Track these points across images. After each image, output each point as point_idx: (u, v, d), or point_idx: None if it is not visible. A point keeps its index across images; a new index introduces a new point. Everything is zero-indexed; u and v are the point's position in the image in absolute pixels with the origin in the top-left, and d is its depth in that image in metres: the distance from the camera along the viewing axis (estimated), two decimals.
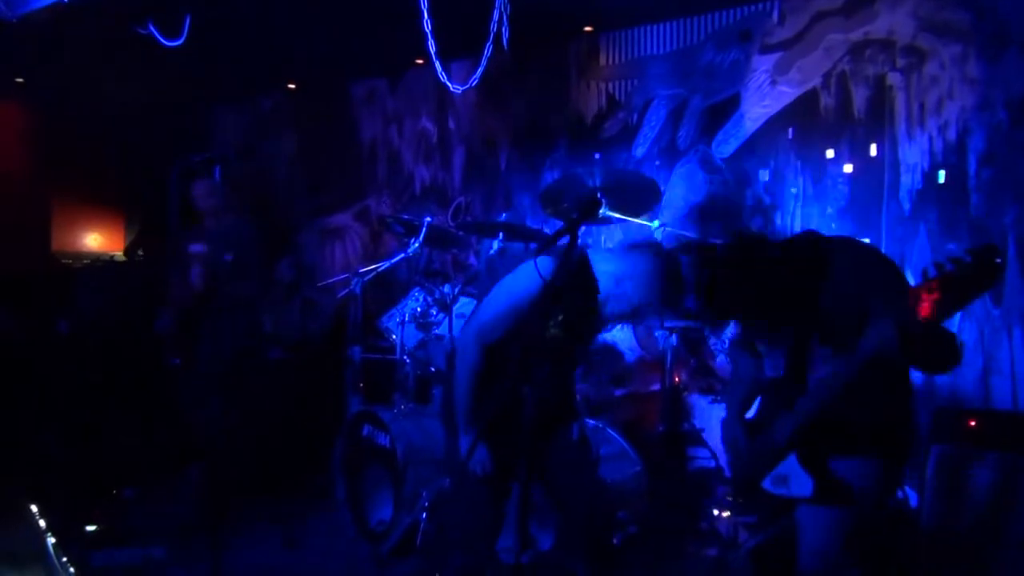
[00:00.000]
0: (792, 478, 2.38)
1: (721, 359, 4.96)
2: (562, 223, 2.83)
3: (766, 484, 2.45)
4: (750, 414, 2.73)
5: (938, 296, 1.90)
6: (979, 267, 1.86)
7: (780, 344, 2.45)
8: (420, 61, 6.09)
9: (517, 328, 2.74)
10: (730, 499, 4.28)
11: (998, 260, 1.85)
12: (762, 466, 2.47)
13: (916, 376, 4.28)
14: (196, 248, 4.42)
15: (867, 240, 4.57)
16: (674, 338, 4.50)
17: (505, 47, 3.63)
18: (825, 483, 2.31)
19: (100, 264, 7.05)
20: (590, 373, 4.71)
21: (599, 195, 4.11)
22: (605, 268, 2.84)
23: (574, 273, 2.80)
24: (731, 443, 2.68)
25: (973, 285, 1.87)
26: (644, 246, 2.86)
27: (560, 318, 2.83)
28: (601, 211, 4.12)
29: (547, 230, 4.88)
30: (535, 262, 2.63)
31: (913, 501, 3.88)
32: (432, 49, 3.67)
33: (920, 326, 1.99)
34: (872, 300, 2.12)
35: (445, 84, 4.06)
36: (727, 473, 4.30)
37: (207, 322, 4.34)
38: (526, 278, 2.73)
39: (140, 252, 7.46)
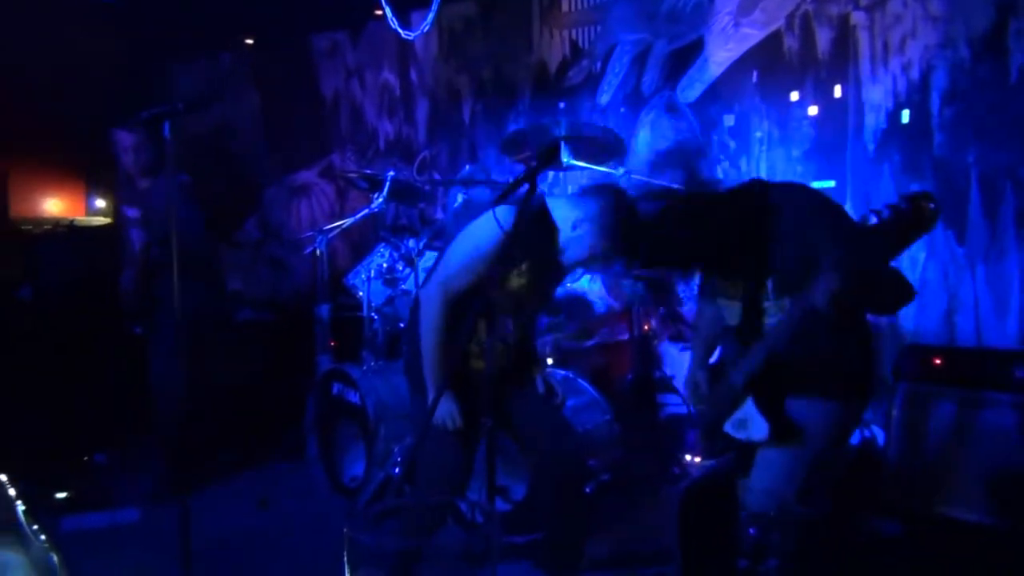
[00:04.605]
0: (751, 422, 2.41)
1: (690, 306, 4.97)
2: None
3: (728, 428, 2.48)
4: (713, 360, 2.76)
5: (879, 241, 1.96)
6: (915, 212, 1.93)
7: (735, 293, 2.47)
8: (380, 12, 5.99)
9: (479, 278, 2.73)
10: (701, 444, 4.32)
11: (932, 206, 1.93)
12: (722, 410, 2.49)
13: (883, 317, 4.32)
14: (132, 212, 4.33)
15: (832, 183, 4.57)
16: (641, 286, 4.49)
17: None
18: (779, 426, 2.34)
19: (61, 229, 6.92)
20: (560, 323, 4.71)
21: (560, 143, 4.06)
22: (562, 214, 2.82)
23: (534, 221, 2.77)
24: (692, 388, 2.72)
25: (910, 230, 1.93)
26: (601, 190, 2.83)
27: (522, 267, 2.82)
28: (564, 159, 4.07)
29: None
30: (494, 211, 2.61)
31: (880, 439, 3.93)
32: None
33: (867, 270, 2.02)
34: (819, 246, 2.13)
35: (396, 30, 3.97)
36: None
37: (159, 288, 4.27)
38: (486, 228, 2.71)
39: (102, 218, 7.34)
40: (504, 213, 2.63)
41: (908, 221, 1.92)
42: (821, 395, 2.39)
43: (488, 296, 2.51)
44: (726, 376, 2.49)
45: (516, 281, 2.81)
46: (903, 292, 2.24)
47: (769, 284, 2.36)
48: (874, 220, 1.96)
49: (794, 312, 2.21)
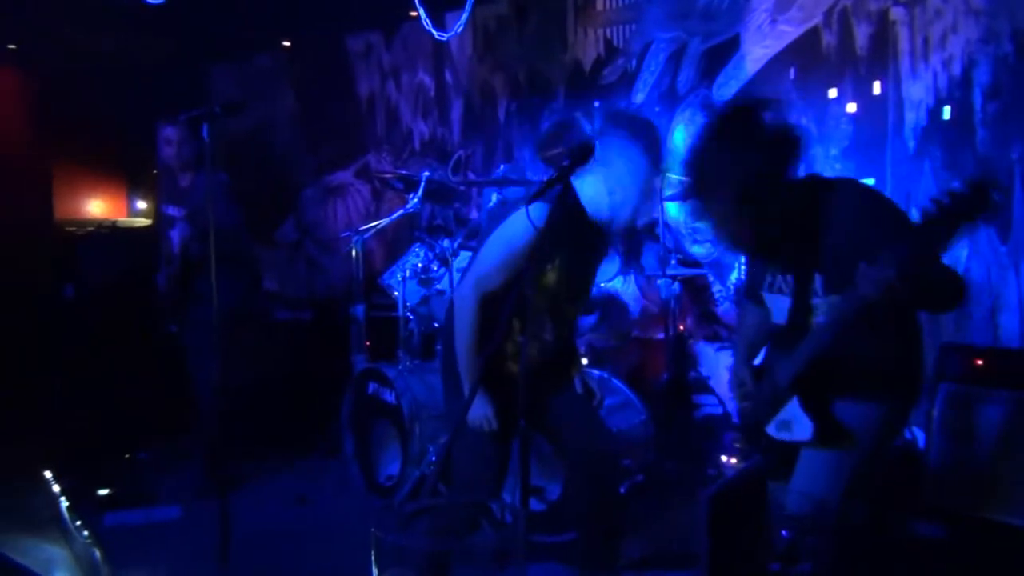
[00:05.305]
0: (795, 423, 2.36)
1: (726, 307, 4.94)
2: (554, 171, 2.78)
3: (770, 430, 2.44)
4: (757, 360, 2.72)
5: (938, 230, 1.87)
6: (976, 198, 1.84)
7: (786, 288, 2.43)
8: (414, 13, 6.04)
9: (513, 277, 2.72)
10: (737, 445, 4.28)
11: (995, 191, 1.83)
12: (766, 410, 2.45)
13: (923, 315, 4.25)
14: (171, 211, 4.39)
15: (871, 180, 4.51)
16: (677, 286, 4.47)
17: None
18: (824, 426, 2.29)
19: (104, 230, 7.04)
20: (598, 324, 4.69)
21: (594, 142, 4.04)
22: (593, 189, 2.79)
23: (569, 221, 2.76)
24: (738, 387, 2.67)
25: (969, 215, 1.84)
26: (617, 132, 2.85)
27: (557, 262, 2.80)
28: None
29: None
30: (527, 209, 2.60)
31: (921, 441, 3.87)
32: None
33: (921, 265, 1.94)
34: (874, 242, 2.07)
35: (430, 31, 3.99)
36: (735, 420, 4.30)
37: (196, 286, 4.32)
38: (519, 226, 2.70)
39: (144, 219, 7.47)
40: (537, 210, 2.62)
41: (967, 205, 1.84)
42: (868, 397, 2.33)
43: (523, 294, 2.49)
44: (771, 375, 2.45)
45: (552, 277, 2.80)
46: (957, 289, 2.17)
47: (818, 281, 2.33)
48: (933, 209, 1.88)
49: (846, 307, 2.14)
